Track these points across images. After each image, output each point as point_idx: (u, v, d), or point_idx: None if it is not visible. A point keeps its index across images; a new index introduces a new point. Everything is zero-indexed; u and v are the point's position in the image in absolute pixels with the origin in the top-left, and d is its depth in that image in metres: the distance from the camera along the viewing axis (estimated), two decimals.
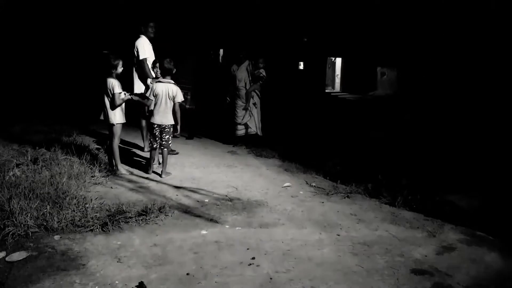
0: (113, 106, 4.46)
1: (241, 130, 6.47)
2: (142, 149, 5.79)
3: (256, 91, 6.44)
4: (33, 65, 10.26)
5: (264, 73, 6.39)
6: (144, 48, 5.27)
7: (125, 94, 4.51)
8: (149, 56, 5.29)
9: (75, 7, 10.69)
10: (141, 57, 5.21)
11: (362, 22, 13.41)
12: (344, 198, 4.14)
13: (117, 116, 4.50)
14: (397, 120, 9.08)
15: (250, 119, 6.41)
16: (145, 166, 4.99)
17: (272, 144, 6.35)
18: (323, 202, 4.02)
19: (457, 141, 6.40)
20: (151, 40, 5.43)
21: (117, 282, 2.47)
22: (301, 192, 4.32)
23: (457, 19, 8.91)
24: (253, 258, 2.81)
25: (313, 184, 4.62)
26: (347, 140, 6.82)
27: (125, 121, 4.60)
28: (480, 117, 7.28)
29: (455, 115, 8.00)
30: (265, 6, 11.15)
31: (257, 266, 2.71)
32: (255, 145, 6.33)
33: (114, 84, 4.39)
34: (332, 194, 4.23)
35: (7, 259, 2.66)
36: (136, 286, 2.43)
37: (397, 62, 14.97)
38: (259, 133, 6.53)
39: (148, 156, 4.90)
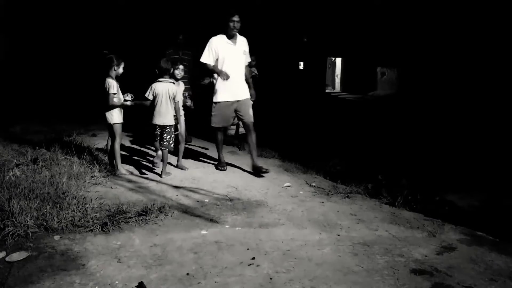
0: (107, 107, 4.44)
1: (232, 130, 6.31)
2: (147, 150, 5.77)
3: None
4: (34, 65, 10.26)
5: (256, 72, 6.24)
6: (206, 49, 4.79)
7: (131, 97, 4.56)
8: (210, 60, 4.77)
9: (76, 7, 10.69)
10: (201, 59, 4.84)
11: (362, 22, 13.41)
12: (344, 198, 4.14)
13: (114, 116, 4.50)
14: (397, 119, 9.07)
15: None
16: (146, 166, 4.99)
17: (272, 144, 6.35)
18: (323, 202, 4.01)
19: (457, 140, 6.40)
20: (232, 37, 4.79)
21: (117, 282, 2.46)
22: (301, 192, 4.32)
23: (457, 19, 8.90)
24: (253, 258, 2.81)
25: (313, 184, 4.62)
26: (347, 140, 6.82)
27: (122, 121, 4.59)
28: (480, 117, 7.28)
29: (455, 114, 8.00)
30: (266, 6, 11.15)
31: (257, 266, 2.71)
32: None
33: (110, 85, 4.40)
34: (332, 194, 4.23)
35: (7, 259, 2.66)
36: (136, 286, 2.42)
37: (397, 62, 14.96)
38: None
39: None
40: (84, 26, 10.96)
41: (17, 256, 2.70)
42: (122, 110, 4.59)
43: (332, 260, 2.82)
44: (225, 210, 3.72)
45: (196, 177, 4.72)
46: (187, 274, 2.58)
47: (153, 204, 3.59)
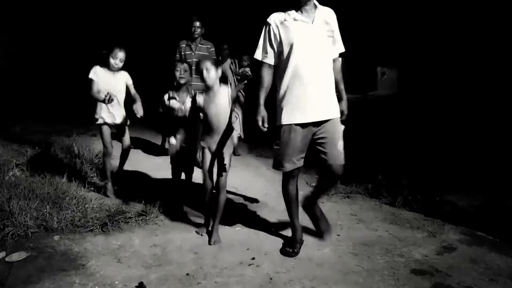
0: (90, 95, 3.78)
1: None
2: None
3: (241, 91, 5.93)
4: (33, 64, 10.26)
5: (249, 72, 5.85)
6: (261, 37, 2.81)
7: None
8: (266, 55, 2.78)
9: (75, 7, 10.69)
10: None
11: (362, 22, 13.42)
12: (344, 198, 4.13)
13: (97, 113, 3.89)
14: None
15: (235, 121, 5.57)
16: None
17: (272, 144, 6.32)
18: (323, 202, 4.01)
19: (457, 140, 6.40)
20: (305, 8, 2.71)
21: (116, 282, 2.46)
22: (301, 192, 4.28)
23: (458, 19, 8.91)
24: (253, 259, 2.80)
25: (313, 184, 4.61)
26: (347, 140, 6.81)
27: (107, 122, 3.84)
28: (480, 117, 7.27)
29: (456, 114, 8.00)
30: (266, 6, 11.16)
31: (257, 266, 2.71)
32: (255, 145, 6.32)
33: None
34: (332, 194, 4.23)
35: (7, 259, 2.66)
36: (136, 286, 2.42)
37: (397, 62, 14.96)
38: (242, 135, 5.95)
39: None
40: (84, 26, 10.96)
41: (17, 256, 2.70)
42: (110, 109, 3.78)
43: (332, 260, 2.81)
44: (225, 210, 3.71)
45: (196, 177, 4.71)
46: (187, 274, 2.58)
47: (153, 204, 3.59)
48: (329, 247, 3.03)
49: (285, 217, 3.60)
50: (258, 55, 2.81)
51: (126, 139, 3.96)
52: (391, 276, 2.62)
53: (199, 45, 5.09)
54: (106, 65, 3.76)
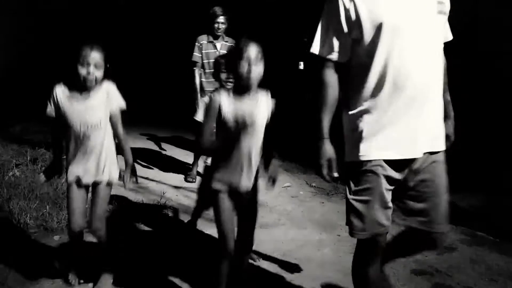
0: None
1: None
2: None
3: None
4: (33, 64, 10.27)
5: None
6: (323, 19, 1.75)
7: None
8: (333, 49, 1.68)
9: (76, 7, 10.69)
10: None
11: None
12: (345, 198, 4.12)
13: None
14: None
15: None
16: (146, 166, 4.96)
17: (271, 144, 6.32)
18: (323, 203, 4.01)
19: (456, 140, 6.39)
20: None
21: None
22: (301, 192, 4.31)
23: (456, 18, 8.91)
24: (253, 259, 2.80)
25: (313, 184, 4.61)
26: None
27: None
28: (479, 116, 7.27)
29: (455, 114, 7.99)
30: (266, 6, 11.16)
31: (257, 266, 2.71)
32: None
33: None
34: (333, 194, 4.23)
35: None
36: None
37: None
38: None
39: None
40: (84, 25, 10.96)
41: None
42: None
43: (332, 261, 2.81)
44: None
45: (196, 177, 4.71)
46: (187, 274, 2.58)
47: (153, 204, 3.59)
48: (329, 247, 3.03)
49: (284, 216, 3.60)
50: (315, 48, 1.72)
51: (99, 212, 2.35)
52: (391, 276, 2.62)
53: (224, 42, 4.23)
54: (76, 83, 2.16)
